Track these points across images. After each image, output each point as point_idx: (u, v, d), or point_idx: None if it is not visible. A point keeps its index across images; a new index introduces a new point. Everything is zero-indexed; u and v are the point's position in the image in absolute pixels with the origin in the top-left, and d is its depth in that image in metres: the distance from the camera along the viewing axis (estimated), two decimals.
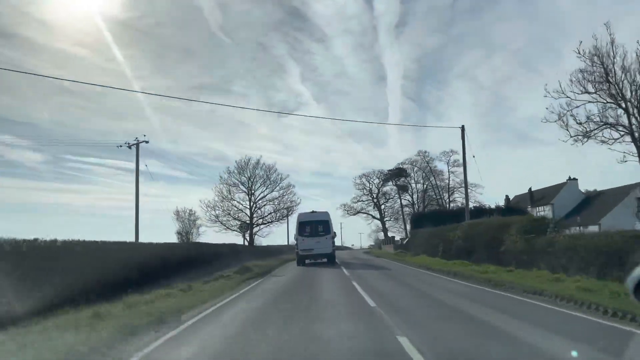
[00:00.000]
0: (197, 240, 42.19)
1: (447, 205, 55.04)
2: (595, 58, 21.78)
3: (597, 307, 8.96)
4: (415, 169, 67.93)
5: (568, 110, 23.73)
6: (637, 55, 20.93)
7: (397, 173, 75.35)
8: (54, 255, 11.05)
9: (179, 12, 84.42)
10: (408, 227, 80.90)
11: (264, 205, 47.88)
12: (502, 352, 6.05)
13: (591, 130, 22.92)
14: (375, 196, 78.50)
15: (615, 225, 21.00)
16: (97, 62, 73.67)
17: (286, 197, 48.16)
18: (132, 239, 29.74)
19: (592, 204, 51.84)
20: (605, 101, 22.44)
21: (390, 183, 77.17)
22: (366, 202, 79.11)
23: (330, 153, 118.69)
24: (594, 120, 22.87)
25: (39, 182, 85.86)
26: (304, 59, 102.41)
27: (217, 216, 45.72)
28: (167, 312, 9.32)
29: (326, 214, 30.67)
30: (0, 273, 8.90)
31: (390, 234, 79.63)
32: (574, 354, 5.74)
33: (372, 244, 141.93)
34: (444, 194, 57.47)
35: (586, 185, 61.99)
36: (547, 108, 24.20)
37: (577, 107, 23.47)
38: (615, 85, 21.71)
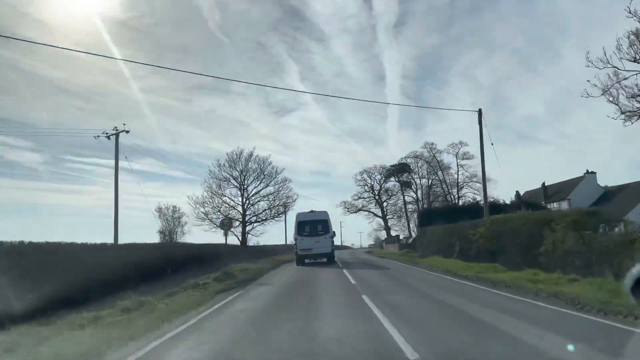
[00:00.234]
0: (181, 240, 37.96)
1: (457, 201, 50.69)
2: None
3: None
4: (420, 163, 63.60)
5: (617, 82, 19.44)
6: None
7: (400, 168, 71.00)
8: None
9: (177, 11, 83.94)
10: (412, 225, 76.75)
11: (258, 201, 43.55)
12: None
13: None
14: (377, 193, 74.16)
15: None
16: (96, 62, 74.22)
17: (282, 192, 43.81)
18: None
19: (613, 198, 47.57)
20: None
21: (392, 179, 72.92)
22: (367, 199, 74.80)
23: (330, 153, 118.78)
24: None
25: (37, 183, 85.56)
26: (303, 58, 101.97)
27: (206, 213, 41.47)
28: None
29: (325, 213, 29.71)
30: None
31: (393, 233, 75.31)
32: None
33: (372, 243, 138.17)
34: (453, 189, 53.13)
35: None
36: (588, 81, 19.88)
37: (626, 78, 19.26)
38: None
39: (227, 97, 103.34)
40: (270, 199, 43.54)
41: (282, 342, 6.60)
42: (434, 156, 54.02)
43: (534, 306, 9.52)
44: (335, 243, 32.40)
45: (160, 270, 18.62)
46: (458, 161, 52.14)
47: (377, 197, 74.03)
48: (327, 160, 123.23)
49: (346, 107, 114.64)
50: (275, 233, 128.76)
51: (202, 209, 41.01)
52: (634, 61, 18.88)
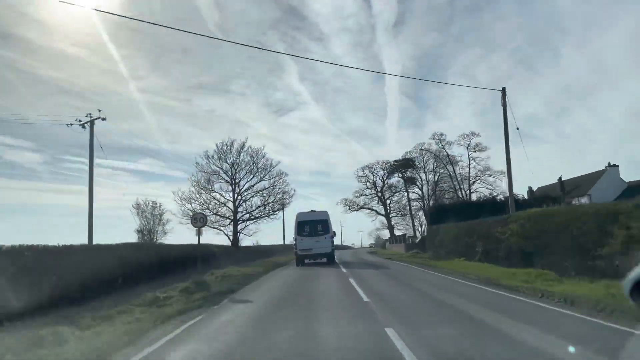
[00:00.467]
0: (162, 241, 33.77)
1: (468, 197, 46.35)
2: None
3: None
4: (426, 157, 59.26)
5: None
6: None
7: (404, 164, 66.68)
8: None
9: (176, 11, 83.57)
10: (416, 223, 72.47)
11: (251, 197, 39.23)
12: None
13: None
14: (380, 190, 69.86)
15: None
16: (95, 62, 72.88)
17: (277, 187, 39.47)
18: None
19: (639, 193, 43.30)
20: None
21: (396, 175, 68.64)
22: (370, 197, 70.50)
23: (330, 152, 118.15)
24: None
25: (37, 183, 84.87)
26: (302, 58, 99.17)
27: (193, 211, 37.04)
28: None
29: (325, 213, 29.02)
30: None
31: (396, 232, 71.04)
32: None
33: (373, 242, 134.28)
34: (463, 184, 48.75)
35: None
36: None
37: None
38: None
39: (227, 96, 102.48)
40: (265, 195, 39.24)
41: None
42: (443, 148, 49.63)
43: None
44: (335, 243, 31.03)
45: (113, 279, 14.39)
46: (469, 153, 47.82)
47: (379, 194, 69.74)
48: (326, 159, 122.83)
49: (346, 107, 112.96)
50: (273, 232, 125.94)
51: (189, 206, 36.78)
52: None
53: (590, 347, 5.64)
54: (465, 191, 47.60)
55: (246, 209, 39.00)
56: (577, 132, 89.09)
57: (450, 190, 50.97)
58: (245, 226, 39.24)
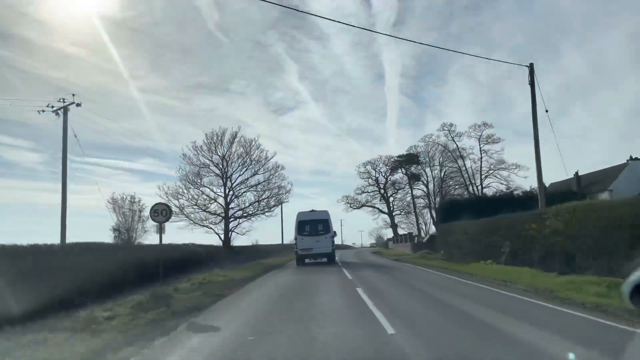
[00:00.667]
0: (140, 241, 30.17)
1: (480, 192, 42.72)
2: None
3: None
4: (432, 151, 55.67)
5: None
6: None
7: (408, 159, 63.09)
8: None
9: (176, 11, 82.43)
10: (420, 221, 68.90)
11: (244, 192, 35.57)
12: None
13: None
14: (382, 186, 66.25)
15: None
16: (95, 62, 71.76)
17: (273, 181, 35.83)
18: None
19: None
20: None
21: (400, 171, 65.04)
22: (372, 194, 66.88)
23: (329, 152, 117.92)
24: None
25: (37, 183, 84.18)
26: (301, 57, 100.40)
27: (181, 207, 33.50)
28: None
29: (326, 212, 28.57)
30: None
31: (400, 231, 67.43)
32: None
33: (374, 242, 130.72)
34: (475, 179, 45.00)
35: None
36: None
37: None
38: None
39: (227, 96, 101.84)
40: (259, 190, 35.60)
41: None
42: (453, 140, 45.90)
43: None
44: (336, 242, 30.22)
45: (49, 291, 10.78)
46: (481, 146, 44.11)
47: (382, 191, 66.14)
48: (326, 159, 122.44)
49: (345, 106, 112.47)
50: (273, 231, 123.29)
51: (175, 202, 33.14)
52: None
53: None
54: (477, 186, 43.93)
55: (239, 205, 35.35)
56: (578, 132, 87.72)
57: (459, 186, 47.36)
58: (238, 224, 35.60)
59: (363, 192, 65.95)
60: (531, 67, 22.56)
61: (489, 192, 40.96)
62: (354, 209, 66.05)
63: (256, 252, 43.15)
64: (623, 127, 79.25)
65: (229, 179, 34.87)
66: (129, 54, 77.02)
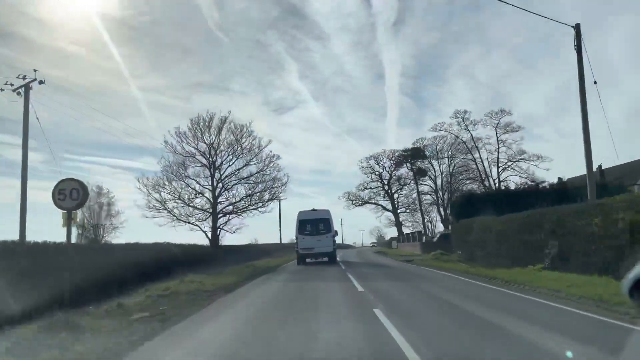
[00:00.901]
0: (108, 239, 25.99)
1: (497, 186, 38.53)
2: None
3: None
4: (440, 144, 51.50)
5: None
6: None
7: (414, 153, 58.92)
8: None
9: (176, 10, 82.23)
10: (427, 218, 64.78)
11: (234, 185, 31.38)
12: None
13: None
14: (386, 182, 62.05)
15: None
16: (95, 61, 71.18)
17: (268, 173, 31.63)
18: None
19: None
20: None
21: (405, 166, 60.85)
22: (375, 190, 62.67)
23: (329, 151, 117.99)
24: None
25: (37, 182, 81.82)
26: (302, 56, 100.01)
27: (163, 201, 29.33)
28: None
29: (327, 212, 28.19)
30: None
31: (405, 230, 63.28)
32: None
33: (375, 241, 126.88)
34: (492, 171, 40.70)
35: None
36: None
37: None
38: None
39: (227, 95, 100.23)
40: (251, 182, 31.39)
41: None
42: (467, 129, 41.56)
43: None
44: (336, 242, 29.22)
45: None
46: (498, 135, 39.79)
47: (386, 188, 61.94)
48: (326, 158, 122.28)
49: (345, 106, 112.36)
50: (273, 230, 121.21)
51: (156, 195, 28.98)
52: None
53: None
54: (494, 180, 39.67)
55: (228, 200, 31.17)
56: (577, 131, 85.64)
57: (473, 180, 43.10)
58: (228, 220, 31.41)
59: (366, 188, 61.80)
60: (577, 29, 18.36)
61: (506, 186, 36.69)
62: (356, 206, 61.90)
63: (251, 252, 38.98)
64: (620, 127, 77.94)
65: (217, 170, 30.72)
66: (129, 53, 76.23)
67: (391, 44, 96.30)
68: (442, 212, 53.25)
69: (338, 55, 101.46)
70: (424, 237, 44.48)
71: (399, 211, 62.00)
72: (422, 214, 60.50)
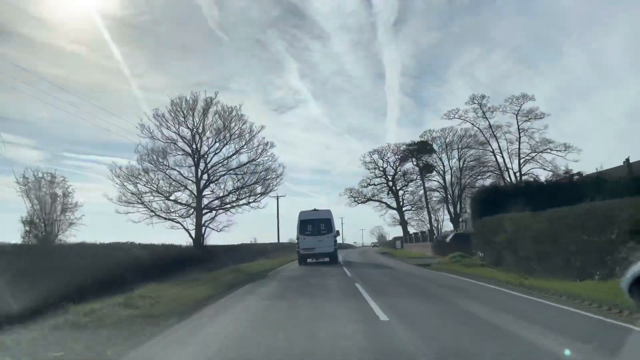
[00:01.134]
0: (63, 238, 21.71)
1: (518, 180, 34.24)
2: None
3: None
4: (450, 136, 47.23)
5: None
6: None
7: (420, 148, 54.66)
8: None
9: (176, 9, 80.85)
10: (433, 216, 60.56)
11: (222, 176, 27.12)
12: None
13: None
14: (391, 178, 57.77)
15: None
16: (95, 60, 69.73)
17: (260, 163, 27.37)
18: None
19: None
20: None
21: (411, 161, 56.57)
22: (379, 187, 58.37)
23: (329, 150, 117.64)
24: None
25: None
26: (302, 56, 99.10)
27: (139, 195, 25.06)
28: None
29: (328, 212, 27.33)
30: None
31: (411, 230, 59.02)
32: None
33: (376, 241, 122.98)
34: (513, 164, 36.26)
35: None
36: None
37: None
38: None
39: (227, 94, 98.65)
40: (240, 173, 27.10)
41: None
42: (484, 116, 37.08)
43: None
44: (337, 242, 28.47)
45: None
46: (519, 123, 35.43)
47: (390, 184, 57.66)
48: (326, 157, 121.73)
49: (346, 105, 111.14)
50: (271, 228, 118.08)
51: (131, 188, 24.73)
52: None
53: None
54: (515, 173, 35.31)
55: (214, 193, 26.92)
56: (577, 130, 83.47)
57: (487, 174, 38.77)
58: (215, 216, 27.17)
59: (369, 184, 57.49)
60: None
61: (535, 178, 32.28)
62: (359, 203, 57.57)
63: (243, 253, 34.62)
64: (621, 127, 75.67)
65: (202, 159, 26.46)
66: (129, 51, 74.18)
67: (391, 43, 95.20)
68: (452, 210, 49.03)
69: (338, 55, 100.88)
70: (435, 237, 40.12)
71: (404, 209, 57.75)
72: (429, 212, 56.25)
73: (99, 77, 78.76)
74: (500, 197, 25.14)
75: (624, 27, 71.45)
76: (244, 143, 26.73)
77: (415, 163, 55.61)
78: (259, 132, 27.20)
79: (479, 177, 40.94)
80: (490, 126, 37.25)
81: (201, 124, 26.13)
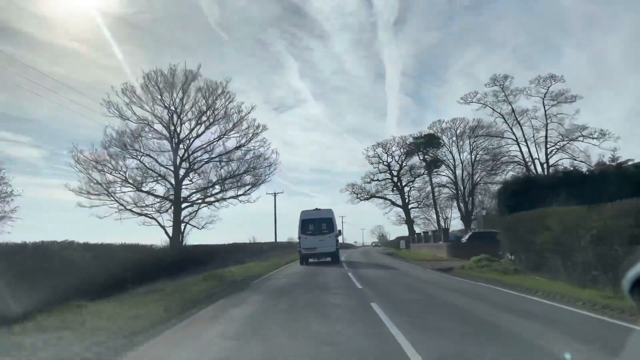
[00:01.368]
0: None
1: (544, 171, 29.95)
2: None
3: None
4: (462, 126, 43.03)
5: None
6: None
7: (428, 141, 50.43)
8: None
9: (177, 8, 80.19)
10: (441, 216, 56.34)
11: (204, 163, 22.87)
12: None
13: None
14: (396, 174, 53.50)
15: None
16: (95, 58, 69.44)
17: (251, 149, 23.13)
18: None
19: None
20: None
21: (417, 155, 52.33)
22: (383, 183, 54.10)
23: (329, 150, 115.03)
24: None
25: (38, 179, 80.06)
26: (302, 55, 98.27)
27: (106, 184, 20.79)
28: None
29: (330, 211, 26.71)
30: None
31: (416, 228, 54.75)
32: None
33: (376, 240, 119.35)
34: (539, 153, 31.84)
35: None
36: None
37: None
38: None
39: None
40: (226, 160, 22.83)
41: None
42: (506, 100, 32.61)
43: None
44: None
45: None
46: (546, 107, 31.02)
47: (396, 180, 53.37)
48: (326, 157, 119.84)
49: (346, 104, 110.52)
50: (265, 227, 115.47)
51: (95, 176, 20.49)
52: None
53: None
54: (542, 164, 30.95)
55: (193, 182, 22.67)
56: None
57: (504, 167, 34.41)
58: (197, 211, 22.92)
59: (372, 180, 53.21)
60: None
61: (575, 167, 27.91)
62: (362, 200, 53.28)
63: (233, 254, 30.32)
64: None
65: (182, 144, 22.24)
66: (129, 50, 73.69)
67: (392, 43, 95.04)
68: (463, 208, 44.80)
69: (339, 54, 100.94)
70: (449, 237, 35.80)
71: (410, 206, 53.45)
72: (437, 210, 52.01)
73: (99, 75, 77.70)
74: (534, 189, 20.94)
75: (624, 28, 71.08)
76: (231, 125, 22.49)
77: (422, 157, 51.41)
78: (249, 113, 22.98)
79: (497, 171, 36.69)
80: (513, 111, 32.79)
81: (181, 103, 21.89)
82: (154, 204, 22.00)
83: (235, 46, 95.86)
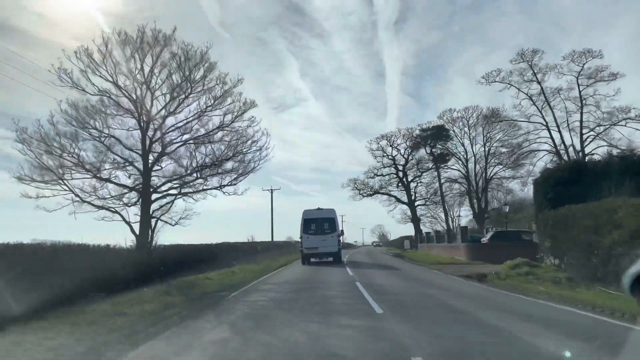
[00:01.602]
0: None
1: (581, 157, 25.84)
2: None
3: None
4: (474, 116, 39.01)
5: None
6: None
7: (436, 133, 46.35)
8: None
9: (177, 6, 75.47)
10: (450, 214, 52.34)
11: (179, 146, 18.75)
12: None
13: None
14: (402, 168, 49.38)
15: None
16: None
17: (235, 129, 19.01)
18: None
19: None
20: None
21: (424, 149, 48.27)
22: (387, 178, 49.96)
23: (329, 149, 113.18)
24: None
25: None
26: (303, 54, 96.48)
27: (56, 169, 16.69)
28: None
29: (332, 211, 26.45)
30: None
31: (422, 227, 50.73)
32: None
33: (377, 240, 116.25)
34: (574, 138, 27.52)
35: None
36: None
37: None
38: None
39: None
40: (205, 142, 18.69)
41: None
42: (536, 78, 28.23)
43: None
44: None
45: None
46: (581, 88, 26.79)
47: (401, 175, 49.24)
48: (326, 156, 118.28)
49: (346, 104, 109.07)
50: (262, 226, 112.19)
51: (47, 160, 16.39)
52: None
53: None
54: (575, 149, 26.75)
55: (162, 169, 18.56)
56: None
57: (530, 156, 30.27)
58: (171, 203, 18.79)
59: (376, 175, 49.07)
60: None
61: (610, 152, 23.95)
62: (365, 196, 49.15)
63: (219, 256, 26.13)
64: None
65: (151, 122, 18.12)
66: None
67: (392, 42, 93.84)
68: (476, 205, 40.73)
69: (339, 53, 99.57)
70: (462, 236, 31.69)
71: (416, 204, 49.35)
72: (445, 208, 47.95)
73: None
74: (584, 178, 16.89)
75: (624, 28, 70.41)
76: (212, 100, 18.37)
77: (429, 151, 47.31)
78: (235, 86, 18.84)
79: (521, 162, 32.54)
80: (542, 92, 28.43)
81: (151, 72, 17.77)
82: (119, 195, 17.87)
83: (236, 45, 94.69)
